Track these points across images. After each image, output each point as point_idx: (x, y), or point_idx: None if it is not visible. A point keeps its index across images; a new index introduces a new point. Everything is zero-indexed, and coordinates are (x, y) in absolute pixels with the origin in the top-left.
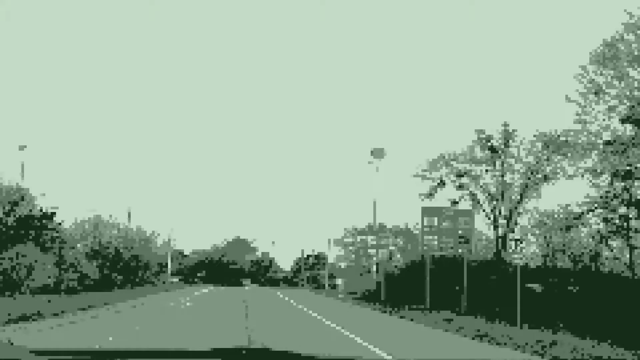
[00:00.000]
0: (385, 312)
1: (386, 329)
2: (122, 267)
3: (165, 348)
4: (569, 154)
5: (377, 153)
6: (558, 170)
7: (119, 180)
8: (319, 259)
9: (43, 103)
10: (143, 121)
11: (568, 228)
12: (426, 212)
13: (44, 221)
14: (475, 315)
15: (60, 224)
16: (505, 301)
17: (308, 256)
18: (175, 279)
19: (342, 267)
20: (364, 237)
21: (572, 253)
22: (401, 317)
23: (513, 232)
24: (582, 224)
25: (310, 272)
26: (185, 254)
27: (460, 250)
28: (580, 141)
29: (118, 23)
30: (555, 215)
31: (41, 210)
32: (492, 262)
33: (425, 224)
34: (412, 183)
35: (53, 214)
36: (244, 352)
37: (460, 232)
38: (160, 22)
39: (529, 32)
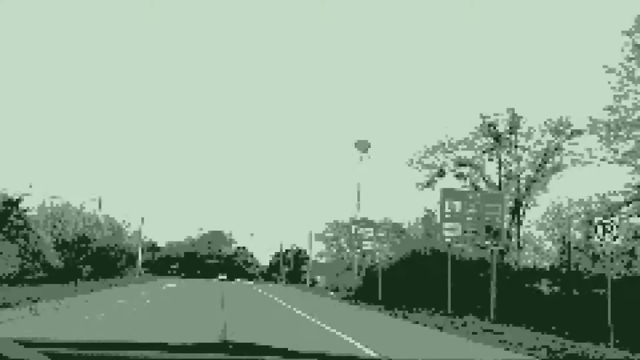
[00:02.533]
0: (393, 315)
1: (425, 345)
2: (88, 257)
3: (153, 341)
4: (602, 135)
5: (361, 145)
6: (577, 158)
7: (91, 170)
8: (299, 254)
9: (14, 91)
10: (121, 111)
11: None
12: (447, 194)
13: (8, 208)
14: (503, 321)
15: (25, 210)
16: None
17: (287, 251)
18: (147, 272)
19: (322, 262)
20: (355, 228)
21: (593, 253)
22: (424, 325)
23: (519, 227)
24: (622, 217)
25: (289, 267)
26: (159, 246)
27: (487, 243)
28: (614, 119)
29: (96, 12)
30: (593, 206)
31: (6, 196)
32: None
33: (445, 209)
34: (399, 177)
35: (18, 200)
36: (230, 346)
37: (487, 219)
38: (137, 8)
39: (532, 15)
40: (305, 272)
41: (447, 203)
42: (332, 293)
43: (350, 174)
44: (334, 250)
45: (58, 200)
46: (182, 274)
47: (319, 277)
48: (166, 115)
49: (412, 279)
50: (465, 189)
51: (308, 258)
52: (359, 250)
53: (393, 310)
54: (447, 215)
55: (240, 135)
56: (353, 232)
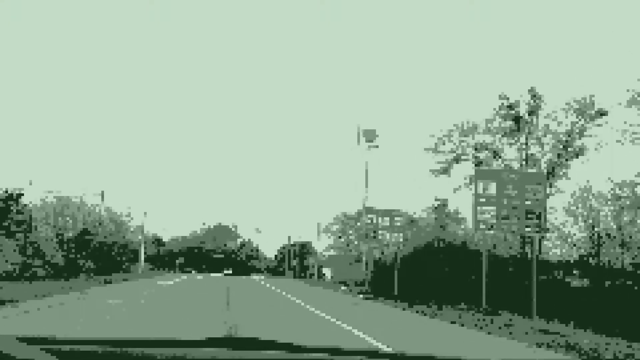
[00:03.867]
0: (420, 312)
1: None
2: (90, 252)
3: (158, 337)
4: None
5: (369, 135)
6: (600, 142)
7: (94, 164)
8: (306, 247)
9: (16, 87)
10: (124, 105)
11: None
12: (481, 175)
13: (9, 203)
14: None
15: (25, 205)
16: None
17: (294, 244)
18: (152, 268)
19: (329, 256)
20: (370, 217)
21: (623, 241)
22: (461, 325)
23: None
24: None
25: (295, 261)
26: (164, 241)
27: (527, 229)
28: None
29: (96, 9)
30: (622, 191)
31: (6, 191)
32: (515, 258)
33: (479, 191)
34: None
35: (20, 195)
36: (235, 341)
37: (527, 203)
38: (136, 3)
39: None
40: (311, 265)
41: (480, 185)
42: (344, 288)
43: (357, 165)
44: (341, 243)
45: (59, 195)
46: (185, 269)
47: (325, 270)
48: (170, 108)
49: (425, 272)
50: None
51: (314, 251)
52: (374, 241)
53: (417, 307)
54: (480, 199)
55: (245, 128)
56: (368, 221)
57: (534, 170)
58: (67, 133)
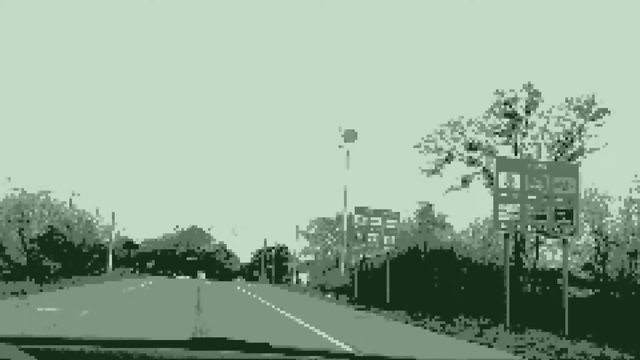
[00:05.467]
0: (429, 328)
1: None
2: (56, 253)
3: (142, 338)
4: None
5: (349, 135)
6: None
7: (64, 162)
8: (281, 251)
9: None
10: (96, 104)
11: None
12: (503, 165)
13: None
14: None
15: None
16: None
17: (269, 248)
18: (119, 270)
19: (305, 260)
20: (359, 218)
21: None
22: (489, 346)
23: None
24: None
25: (272, 265)
26: (136, 243)
27: (558, 229)
28: None
29: (83, 6)
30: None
31: None
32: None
33: (500, 185)
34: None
35: None
36: (225, 343)
37: (558, 200)
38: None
39: None
40: (288, 269)
41: (501, 177)
42: (329, 296)
43: (336, 168)
44: (318, 247)
45: (22, 192)
46: (157, 272)
47: (301, 275)
48: (144, 107)
49: (410, 279)
50: (526, 158)
51: (291, 256)
52: (362, 244)
53: (422, 320)
54: (502, 194)
55: (221, 130)
56: (356, 221)
57: (569, 162)
58: (33, 128)
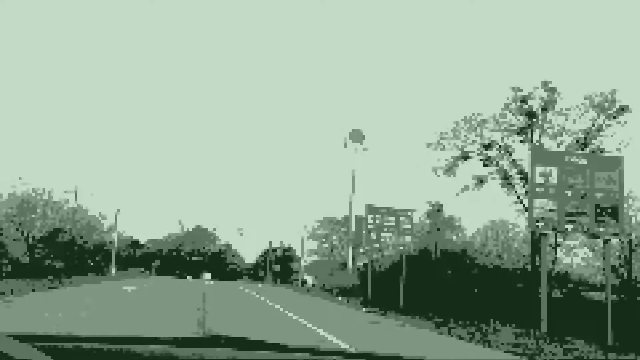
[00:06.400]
0: (464, 337)
1: None
2: (59, 252)
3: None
4: None
5: (356, 136)
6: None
7: (70, 162)
8: (287, 251)
9: None
10: (102, 103)
11: None
12: (539, 157)
13: None
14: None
15: None
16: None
17: (275, 249)
18: (123, 270)
19: (311, 261)
20: (372, 217)
21: None
22: None
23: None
24: None
25: (278, 266)
26: (141, 243)
27: (600, 227)
28: None
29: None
30: None
31: None
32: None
33: (536, 179)
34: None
35: None
36: (222, 341)
37: (599, 195)
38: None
39: None
40: (295, 271)
41: (537, 170)
42: (340, 298)
43: (342, 169)
44: (325, 248)
45: (26, 191)
46: (163, 273)
47: (307, 277)
48: (150, 107)
49: (422, 282)
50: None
51: (296, 257)
52: (376, 245)
53: (440, 325)
54: (537, 189)
55: (228, 130)
56: (370, 221)
57: (612, 155)
58: (37, 126)
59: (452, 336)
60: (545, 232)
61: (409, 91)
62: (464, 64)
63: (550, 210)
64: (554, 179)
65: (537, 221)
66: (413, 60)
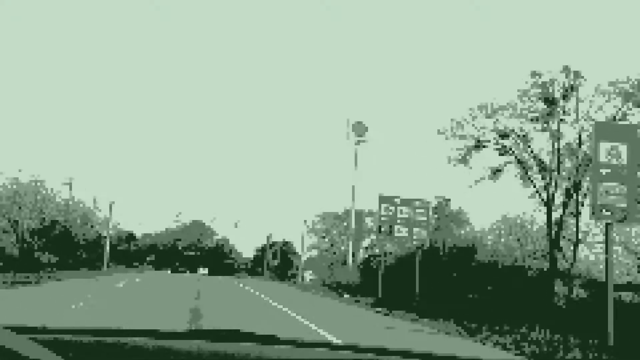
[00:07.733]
0: (493, 343)
1: None
2: (51, 245)
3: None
4: None
5: (358, 129)
6: None
7: (64, 153)
8: (286, 246)
9: None
10: (99, 94)
11: None
12: (603, 132)
13: None
14: None
15: None
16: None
17: (273, 243)
18: (119, 264)
19: (309, 256)
20: (385, 207)
21: None
22: None
23: (577, 218)
24: None
25: (276, 261)
26: (137, 236)
27: None
28: None
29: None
30: None
31: None
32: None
33: (601, 158)
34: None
35: None
36: (223, 334)
37: None
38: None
39: None
40: (293, 266)
41: (602, 148)
42: (346, 295)
43: (343, 163)
44: (326, 240)
45: (16, 181)
46: (160, 267)
47: (305, 272)
48: (145, 100)
49: (427, 278)
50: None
51: (296, 252)
52: (395, 237)
53: (472, 331)
54: (603, 170)
55: (224, 123)
56: (383, 212)
57: None
58: (33, 118)
59: (485, 344)
60: (611, 221)
61: (412, 83)
62: (466, 59)
63: (619, 195)
64: (622, 160)
65: (602, 209)
66: (413, 57)
